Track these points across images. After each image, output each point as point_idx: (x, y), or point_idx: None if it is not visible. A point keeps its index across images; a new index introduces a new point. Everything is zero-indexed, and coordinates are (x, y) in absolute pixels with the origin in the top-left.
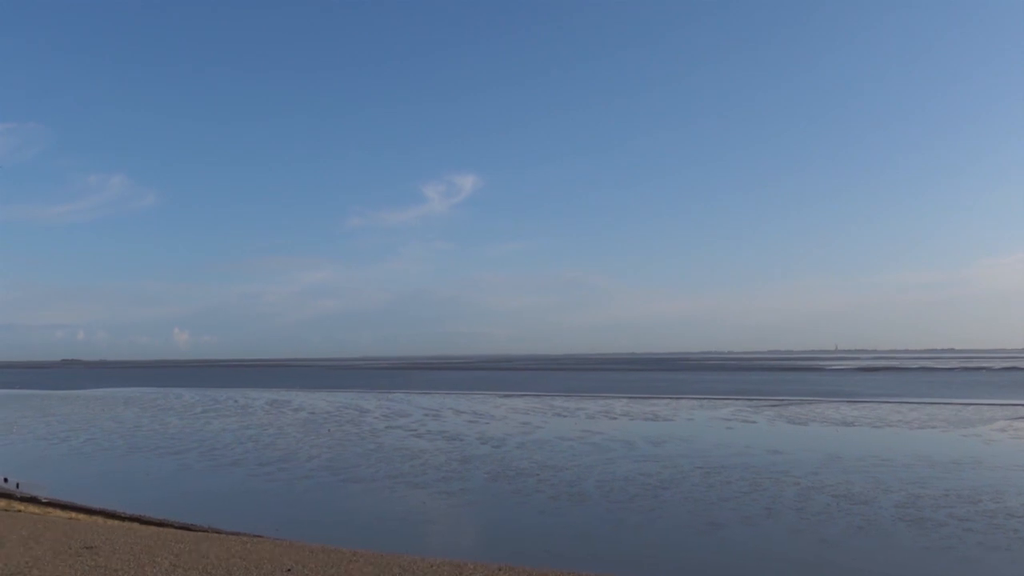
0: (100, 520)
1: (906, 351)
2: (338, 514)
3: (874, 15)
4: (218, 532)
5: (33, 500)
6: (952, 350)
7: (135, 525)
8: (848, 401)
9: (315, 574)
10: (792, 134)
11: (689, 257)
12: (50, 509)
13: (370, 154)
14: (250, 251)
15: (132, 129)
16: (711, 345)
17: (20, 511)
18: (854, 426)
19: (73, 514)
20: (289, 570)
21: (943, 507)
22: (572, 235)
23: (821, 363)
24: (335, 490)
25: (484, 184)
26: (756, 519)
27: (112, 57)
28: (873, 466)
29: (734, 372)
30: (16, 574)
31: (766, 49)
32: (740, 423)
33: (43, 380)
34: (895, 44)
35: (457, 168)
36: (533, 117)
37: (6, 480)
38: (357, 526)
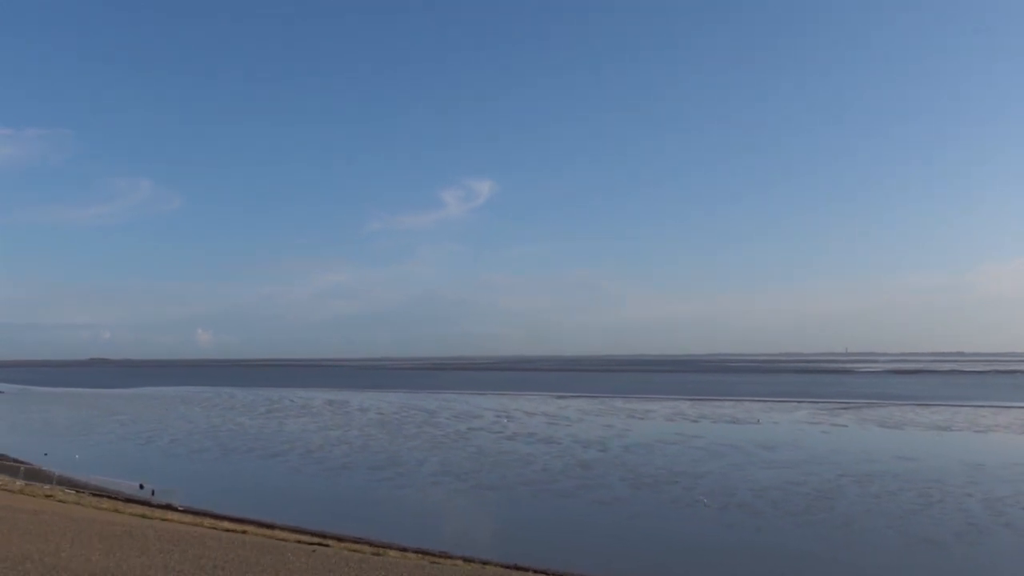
0: (288, 536)
1: (915, 354)
2: (522, 529)
3: (878, 22)
4: (437, 555)
5: (169, 507)
6: (961, 353)
7: (351, 546)
8: (917, 404)
9: None
10: (799, 139)
11: (697, 260)
12: (206, 519)
13: (389, 159)
14: (271, 253)
15: (159, 134)
16: (720, 347)
17: (198, 524)
18: (952, 430)
19: (245, 527)
20: None
21: None
22: (583, 238)
23: (844, 365)
24: (482, 500)
25: (500, 189)
26: (968, 535)
27: (139, 64)
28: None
29: (765, 375)
30: None
31: (774, 56)
32: (831, 427)
33: (84, 379)
34: (902, 50)
35: (475, 173)
36: (548, 123)
37: (142, 487)
38: (562, 546)
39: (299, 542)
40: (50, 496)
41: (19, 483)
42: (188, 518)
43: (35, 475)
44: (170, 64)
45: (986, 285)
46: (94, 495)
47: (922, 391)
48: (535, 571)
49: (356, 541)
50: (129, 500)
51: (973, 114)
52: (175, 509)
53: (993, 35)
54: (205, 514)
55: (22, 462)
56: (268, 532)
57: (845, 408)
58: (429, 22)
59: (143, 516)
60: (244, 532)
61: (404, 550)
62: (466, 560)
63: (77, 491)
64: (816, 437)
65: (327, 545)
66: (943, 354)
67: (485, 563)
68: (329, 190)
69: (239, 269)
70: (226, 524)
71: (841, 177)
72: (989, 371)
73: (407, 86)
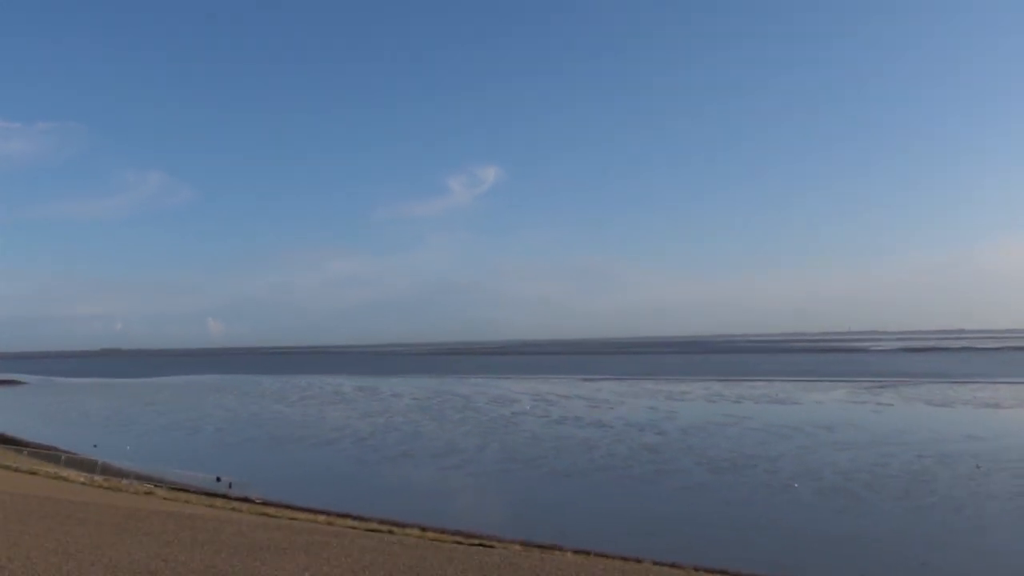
0: (441, 537)
1: (919, 332)
2: (633, 520)
3: (878, 5)
4: (614, 556)
5: (246, 500)
6: (962, 331)
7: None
8: (952, 382)
9: None
10: (802, 122)
11: (700, 243)
12: (321, 517)
13: (396, 148)
14: (280, 243)
15: (168, 126)
16: (723, 328)
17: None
18: (1003, 408)
19: (389, 528)
20: None
21: None
22: (589, 223)
23: (854, 344)
24: (567, 488)
25: (506, 175)
26: None
27: (148, 57)
28: None
29: (780, 354)
30: None
31: (774, 38)
32: (877, 406)
33: (102, 369)
34: (905, 32)
35: (480, 160)
36: (552, 108)
37: (219, 479)
38: (679, 537)
39: (456, 543)
40: (149, 493)
41: (98, 478)
42: (303, 515)
43: (107, 469)
44: (178, 56)
45: (984, 263)
46: (172, 489)
47: (948, 368)
48: (710, 571)
49: (503, 541)
50: (208, 494)
51: (974, 92)
52: (252, 502)
53: (993, 12)
54: (296, 508)
55: (73, 454)
56: (408, 532)
57: (880, 387)
58: (433, 11)
59: (264, 515)
60: (390, 532)
61: (562, 549)
62: (635, 560)
63: (155, 485)
64: (869, 417)
65: (491, 546)
66: (946, 332)
67: (674, 565)
68: (337, 180)
69: (249, 259)
70: (349, 521)
71: (840, 158)
72: (1003, 347)
73: (411, 75)
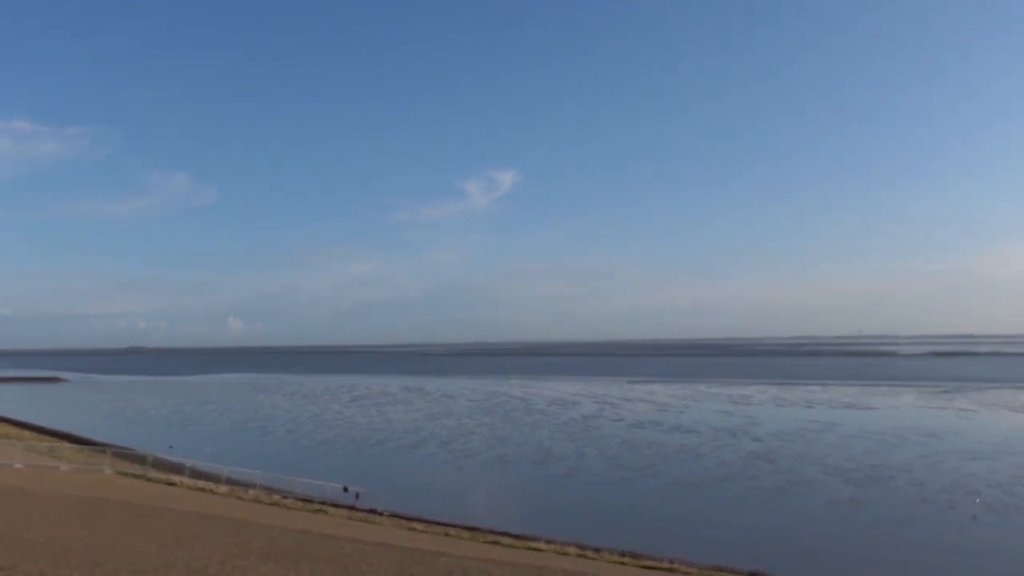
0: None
1: (928, 336)
2: (806, 541)
3: (894, 18)
4: None
5: (373, 512)
6: (972, 336)
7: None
8: (1012, 387)
9: None
10: (814, 127)
11: (709, 246)
12: (480, 535)
13: (414, 151)
14: (300, 244)
15: (194, 128)
16: (734, 332)
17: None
18: None
19: (588, 552)
20: None
21: None
22: (603, 225)
23: (881, 348)
24: (711, 501)
25: (523, 179)
26: None
27: (174, 61)
28: None
29: (811, 357)
30: None
31: (791, 44)
32: (961, 412)
33: (135, 366)
34: (922, 50)
35: (497, 164)
36: (569, 112)
37: (346, 489)
38: (894, 565)
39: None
40: (320, 511)
41: (223, 488)
42: (465, 535)
43: (232, 480)
44: (204, 59)
45: (993, 269)
46: (301, 499)
47: (995, 373)
48: None
49: (690, 565)
50: (335, 505)
51: (993, 93)
52: (379, 514)
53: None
54: (432, 523)
55: (164, 460)
56: (605, 557)
57: (945, 392)
58: (451, 18)
59: (445, 535)
60: (622, 563)
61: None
62: None
63: (283, 496)
64: (962, 423)
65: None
66: (956, 336)
67: None
68: (355, 182)
69: (268, 259)
70: (507, 540)
71: (854, 165)
72: None
73: (430, 80)
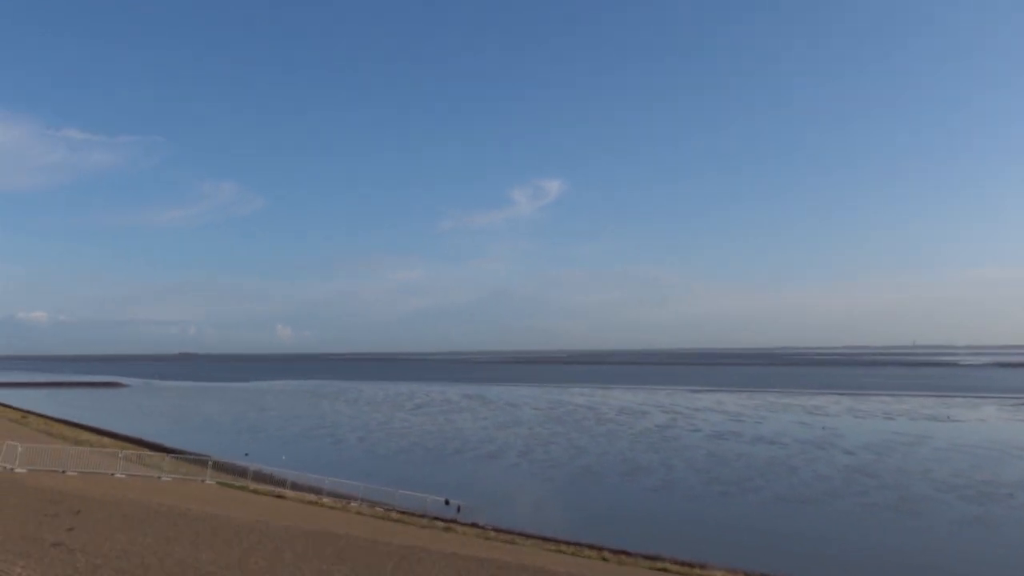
0: None
1: (986, 346)
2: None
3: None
4: None
5: (475, 526)
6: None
7: None
8: None
9: None
10: (869, 136)
11: (754, 255)
12: (607, 553)
13: (461, 160)
14: (348, 251)
15: (242, 135)
16: (783, 341)
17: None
18: None
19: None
20: None
21: None
22: (649, 235)
23: (942, 359)
24: (823, 519)
25: (569, 188)
26: None
27: (223, 70)
28: None
29: (870, 367)
30: None
31: (836, 52)
32: None
33: (190, 372)
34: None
35: (544, 173)
36: (615, 121)
37: (447, 502)
38: None
39: None
40: (449, 529)
41: (325, 499)
42: (575, 551)
43: (334, 492)
44: (251, 71)
45: None
46: (403, 512)
47: None
48: None
49: None
50: (437, 518)
51: None
52: (482, 528)
53: None
54: (539, 538)
55: (297, 480)
56: None
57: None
58: (500, 31)
59: (558, 552)
60: None
61: None
62: None
63: (386, 509)
64: None
65: None
66: (1017, 346)
67: None
68: (403, 190)
69: (317, 267)
70: (621, 557)
71: (909, 168)
72: None
73: (477, 90)
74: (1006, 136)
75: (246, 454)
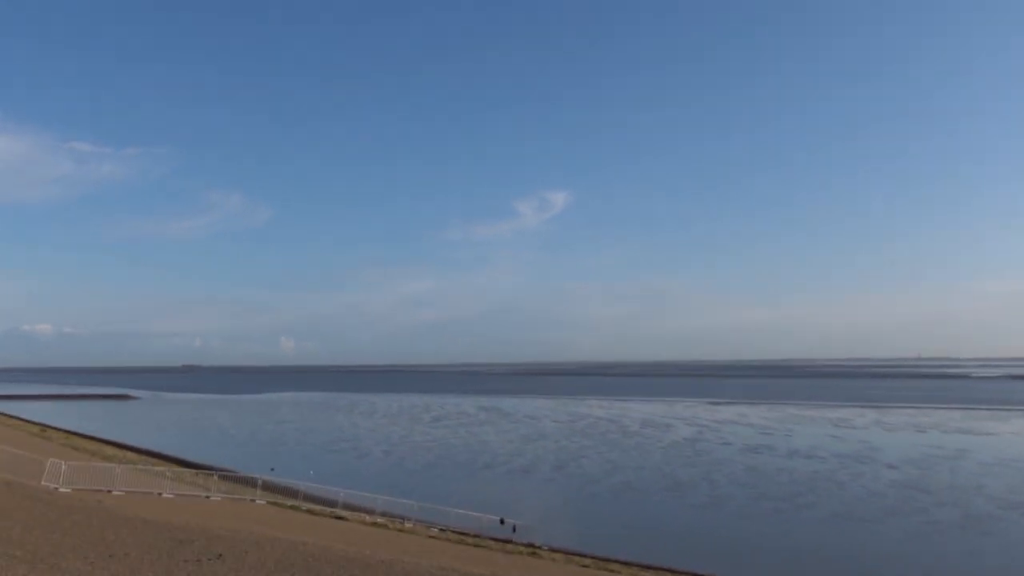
0: None
1: (992, 359)
2: None
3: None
4: None
5: (531, 546)
6: None
7: None
8: None
9: None
10: (870, 150)
11: (759, 268)
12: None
13: (467, 172)
14: (353, 263)
15: (248, 148)
16: (788, 353)
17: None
18: None
19: None
20: None
21: None
22: (654, 246)
23: (951, 371)
24: (888, 540)
25: (575, 199)
26: None
27: (230, 83)
28: None
29: (883, 379)
30: None
31: (851, 61)
32: None
33: (198, 384)
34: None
35: (550, 184)
36: (621, 133)
37: (503, 522)
38: None
39: None
40: (533, 554)
41: (379, 518)
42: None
43: (387, 512)
44: (258, 81)
45: None
46: (459, 533)
47: None
48: None
49: None
50: (494, 539)
51: None
52: (539, 548)
53: None
54: (600, 559)
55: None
56: None
57: None
58: (504, 41)
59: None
60: None
61: None
62: None
63: (440, 529)
64: None
65: None
66: (1019, 359)
67: None
68: (408, 202)
69: (321, 278)
70: None
71: (910, 184)
72: None
73: (483, 101)
74: (1006, 150)
75: (272, 469)
